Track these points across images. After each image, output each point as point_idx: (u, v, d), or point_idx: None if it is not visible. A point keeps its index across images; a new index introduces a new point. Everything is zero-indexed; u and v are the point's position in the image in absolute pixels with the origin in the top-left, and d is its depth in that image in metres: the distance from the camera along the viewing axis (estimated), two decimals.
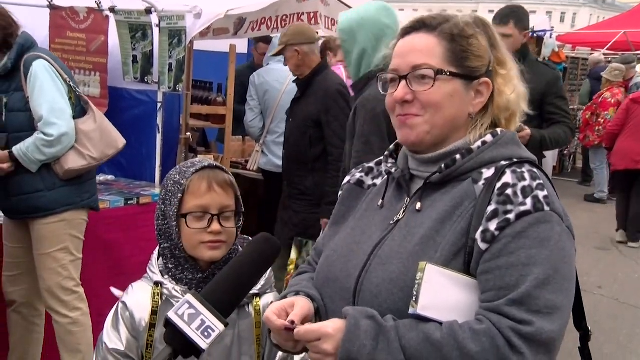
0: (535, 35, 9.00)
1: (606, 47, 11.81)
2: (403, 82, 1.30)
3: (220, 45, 5.08)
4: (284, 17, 4.47)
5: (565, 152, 10.92)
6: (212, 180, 1.59)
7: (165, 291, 1.60)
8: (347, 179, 1.54)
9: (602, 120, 8.66)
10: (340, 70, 4.87)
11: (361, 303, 1.26)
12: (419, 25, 1.34)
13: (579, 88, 11.00)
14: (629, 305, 5.17)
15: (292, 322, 1.22)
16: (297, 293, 1.37)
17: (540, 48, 8.83)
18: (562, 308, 1.15)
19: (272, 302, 1.61)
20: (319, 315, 1.34)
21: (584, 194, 9.17)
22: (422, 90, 1.28)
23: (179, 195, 1.59)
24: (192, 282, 1.60)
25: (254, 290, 1.61)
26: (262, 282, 1.64)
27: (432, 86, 1.27)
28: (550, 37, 9.79)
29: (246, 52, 6.18)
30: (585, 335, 1.45)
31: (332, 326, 1.19)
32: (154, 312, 1.59)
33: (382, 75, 1.37)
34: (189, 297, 1.10)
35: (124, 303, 1.65)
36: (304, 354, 1.30)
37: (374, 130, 2.65)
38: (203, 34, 4.43)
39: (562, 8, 68.83)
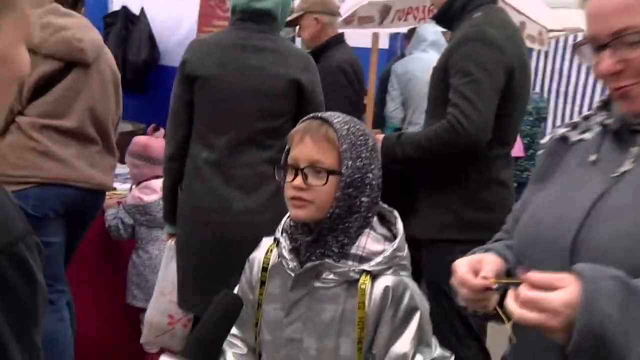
0: None
1: None
2: (607, 52, 1.09)
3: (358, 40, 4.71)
4: (432, 8, 4.38)
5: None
6: (306, 132, 1.44)
7: (279, 250, 1.51)
8: (548, 136, 1.35)
9: None
10: None
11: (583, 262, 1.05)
12: None
13: None
14: None
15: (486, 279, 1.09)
16: (486, 251, 1.23)
17: None
18: None
19: (386, 287, 1.41)
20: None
21: None
22: (634, 56, 1.08)
23: (288, 146, 1.49)
24: (301, 245, 1.46)
25: (366, 267, 1.42)
26: (378, 259, 1.42)
27: None
28: None
29: (387, 47, 5.83)
30: None
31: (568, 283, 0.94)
32: (264, 269, 1.52)
33: (579, 44, 1.17)
34: (163, 358, 1.10)
35: (252, 256, 1.59)
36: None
37: None
38: (348, 22, 4.25)
39: None
